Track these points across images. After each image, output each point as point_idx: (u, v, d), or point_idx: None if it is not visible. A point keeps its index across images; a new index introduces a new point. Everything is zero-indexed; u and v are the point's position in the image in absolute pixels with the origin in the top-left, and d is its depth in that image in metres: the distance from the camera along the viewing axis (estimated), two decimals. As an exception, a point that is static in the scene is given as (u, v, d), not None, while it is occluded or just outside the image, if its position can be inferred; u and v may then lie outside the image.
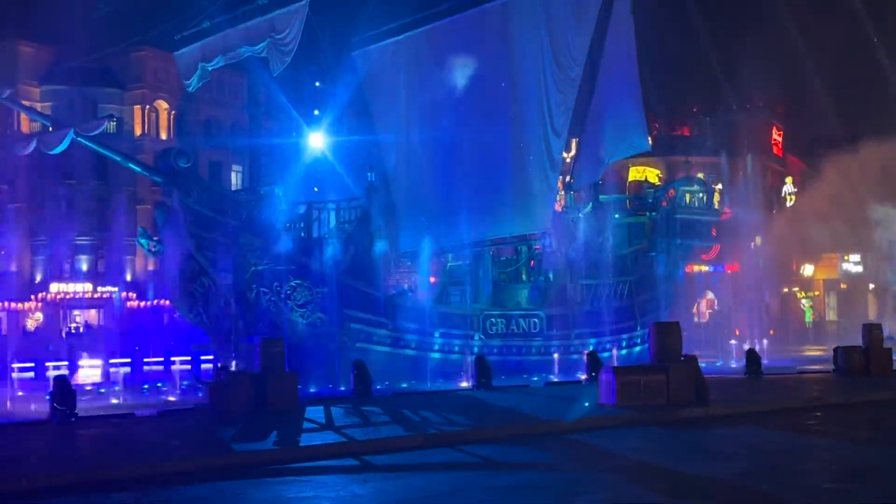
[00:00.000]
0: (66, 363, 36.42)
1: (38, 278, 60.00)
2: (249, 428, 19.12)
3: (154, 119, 64.05)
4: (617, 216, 41.64)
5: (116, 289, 59.09)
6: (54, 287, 58.83)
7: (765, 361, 30.81)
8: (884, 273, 67.77)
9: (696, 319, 55.82)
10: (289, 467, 15.26)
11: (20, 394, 29.41)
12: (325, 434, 18.56)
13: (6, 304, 56.25)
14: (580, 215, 40.48)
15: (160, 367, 37.97)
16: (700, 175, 47.23)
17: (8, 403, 26.22)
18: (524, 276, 39.02)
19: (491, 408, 22.15)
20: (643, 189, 44.75)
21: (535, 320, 35.37)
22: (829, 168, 57.27)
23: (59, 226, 58.85)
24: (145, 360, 38.41)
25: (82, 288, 59.49)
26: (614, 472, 14.25)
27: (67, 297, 58.78)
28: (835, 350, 30.24)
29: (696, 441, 17.96)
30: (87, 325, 57.16)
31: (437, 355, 32.59)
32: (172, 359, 38.34)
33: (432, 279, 38.57)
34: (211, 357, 32.84)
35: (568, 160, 43.46)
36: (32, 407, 24.93)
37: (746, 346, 33.99)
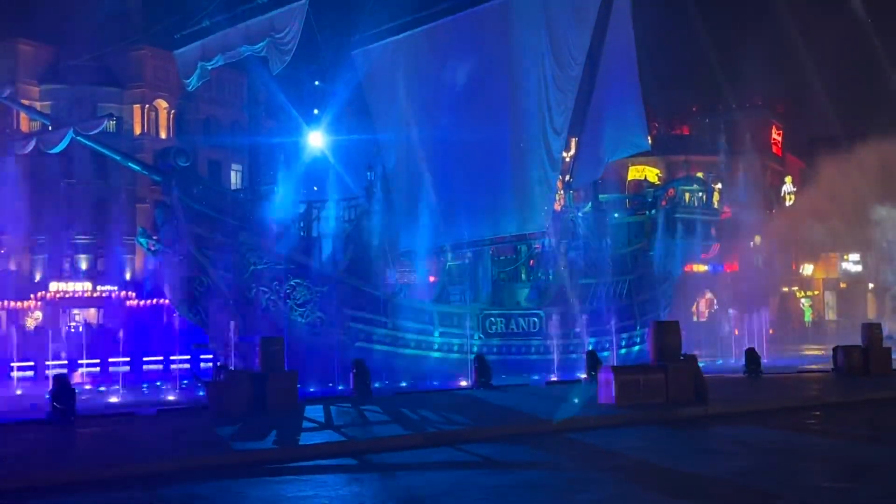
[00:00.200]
0: (66, 362, 36.39)
1: (38, 277, 59.99)
2: (249, 427, 19.12)
3: (154, 118, 64.03)
4: (616, 215, 41.67)
5: (116, 288, 59.10)
6: (54, 286, 58.82)
7: (764, 361, 30.82)
8: (883, 272, 67.81)
9: (695, 319, 55.88)
10: (288, 466, 15.26)
11: (19, 392, 29.45)
12: (325, 433, 18.57)
13: (6, 303, 56.26)
14: (580, 214, 40.49)
15: (159, 367, 37.98)
16: (699, 174, 47.26)
17: (7, 402, 26.23)
18: (524, 276, 39.04)
19: (490, 407, 22.15)
20: (643, 188, 44.77)
21: (535, 319, 35.38)
22: (828, 167, 57.32)
23: (59, 225, 58.88)
24: (145, 359, 38.41)
25: (82, 287, 59.48)
26: (614, 471, 14.26)
27: (67, 296, 58.78)
28: (834, 349, 30.27)
29: (696, 440, 17.97)
30: (87, 324, 57.15)
31: (436, 354, 32.61)
32: (172, 358, 38.38)
33: (432, 278, 38.61)
34: (210, 356, 32.85)
35: (567, 159, 43.48)
36: (31, 406, 24.93)
37: (746, 346, 34.00)
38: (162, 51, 53.22)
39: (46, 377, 31.10)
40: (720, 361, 37.44)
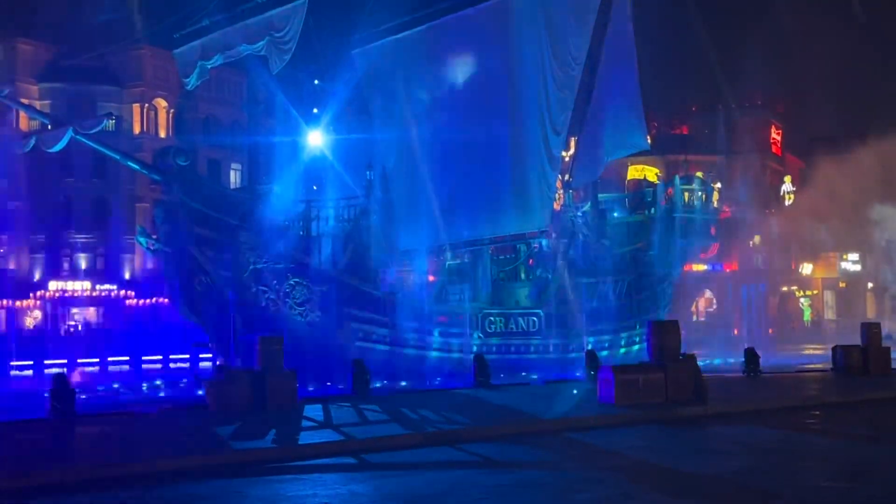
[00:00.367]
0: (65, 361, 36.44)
1: (37, 276, 59.98)
2: (248, 426, 19.12)
3: (153, 117, 64.04)
4: (616, 215, 41.67)
5: (115, 287, 59.11)
6: (53, 285, 58.84)
7: (763, 360, 30.81)
8: (882, 272, 67.86)
9: (694, 318, 55.90)
10: (288, 465, 15.26)
11: (18, 391, 29.46)
12: (324, 432, 18.57)
13: (5, 302, 56.26)
14: (579, 214, 40.51)
15: (159, 366, 38.02)
16: (699, 174, 47.23)
17: (7, 401, 26.24)
18: (523, 275, 39.03)
19: (490, 406, 22.15)
20: (642, 188, 44.76)
21: (534, 319, 35.39)
22: (827, 167, 57.31)
23: (58, 224, 58.93)
24: (144, 358, 38.45)
25: (81, 286, 59.50)
26: (613, 471, 14.26)
27: (66, 295, 58.80)
28: (833, 349, 30.26)
29: (695, 439, 17.98)
30: (86, 324, 57.19)
31: (436, 354, 32.61)
32: (171, 357, 38.43)
33: (431, 278, 38.58)
34: (210, 355, 32.87)
35: (567, 159, 43.46)
36: (31, 405, 24.94)
37: (745, 345, 34.01)
38: (161, 50, 53.24)
39: (46, 376, 31.15)
40: (719, 361, 37.43)
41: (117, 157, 30.81)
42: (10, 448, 16.64)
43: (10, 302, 56.38)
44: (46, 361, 36.99)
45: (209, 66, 33.10)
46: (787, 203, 78.71)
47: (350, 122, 40.25)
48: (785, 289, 73.23)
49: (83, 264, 61.15)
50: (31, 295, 57.88)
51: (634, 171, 67.98)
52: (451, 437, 17.63)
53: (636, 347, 37.49)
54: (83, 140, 28.23)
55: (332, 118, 37.63)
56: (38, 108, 45.42)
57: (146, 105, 63.43)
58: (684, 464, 14.75)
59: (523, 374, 32.72)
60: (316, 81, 41.94)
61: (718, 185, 50.77)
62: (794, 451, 16.13)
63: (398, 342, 31.97)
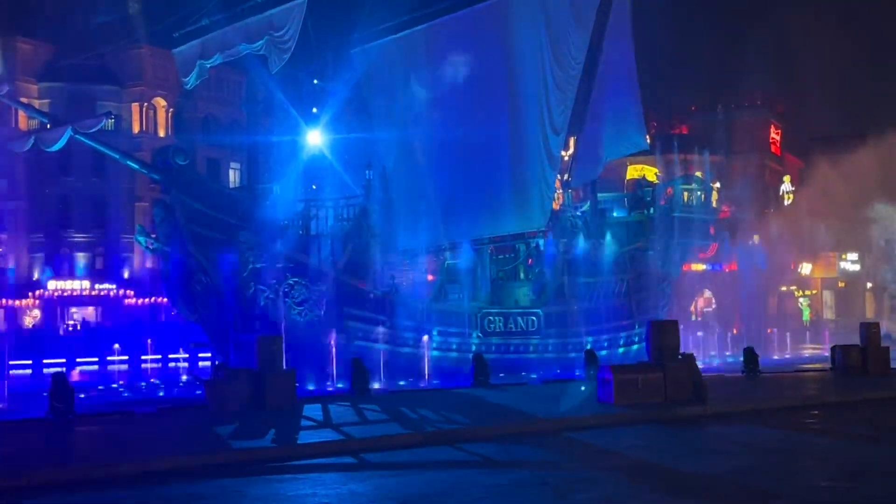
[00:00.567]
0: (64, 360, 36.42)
1: (36, 276, 59.95)
2: (247, 425, 19.11)
3: (152, 116, 63.99)
4: (615, 214, 41.69)
5: (114, 286, 59.08)
6: (52, 284, 58.80)
7: (762, 360, 30.83)
8: (881, 272, 67.87)
9: (693, 318, 55.86)
10: (287, 465, 15.25)
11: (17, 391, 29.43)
12: (323, 432, 18.56)
13: (4, 301, 56.22)
14: (578, 213, 40.52)
15: (158, 365, 38.00)
16: (698, 173, 47.30)
17: (5, 401, 26.22)
18: (522, 275, 39.06)
19: (489, 406, 22.14)
20: (641, 186, 44.77)
21: (533, 318, 35.40)
22: (826, 167, 57.34)
23: (57, 223, 58.88)
24: (143, 357, 38.43)
25: (80, 285, 59.47)
26: (612, 470, 14.26)
27: (65, 294, 58.77)
28: (832, 349, 30.28)
29: (694, 439, 17.97)
30: (85, 323, 57.16)
31: (435, 353, 32.61)
32: (170, 356, 38.42)
33: (430, 277, 38.59)
34: (209, 354, 32.87)
35: (566, 158, 43.50)
36: (30, 404, 24.93)
37: (744, 345, 34.04)
38: (161, 49, 53.21)
39: (45, 375, 31.14)
40: (718, 361, 37.46)
41: (116, 156, 30.79)
42: (10, 447, 16.63)
43: (10, 301, 56.35)
44: (45, 361, 36.97)
45: (208, 66, 33.11)
46: (786, 203, 78.73)
47: (349, 122, 40.24)
48: (784, 288, 73.20)
49: (82, 263, 61.11)
50: (30, 294, 57.85)
51: (634, 171, 67.98)
52: (450, 436, 17.63)
53: (635, 347, 37.54)
54: (82, 139, 28.22)
55: (331, 117, 37.64)
56: (37, 107, 45.39)
57: (145, 104, 63.38)
58: (683, 463, 14.75)
59: (522, 373, 32.73)
60: (315, 81, 41.93)
61: (717, 184, 50.84)
62: (794, 450, 16.12)
63: (397, 341, 31.97)
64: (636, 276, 39.17)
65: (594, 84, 40.27)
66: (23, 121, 56.13)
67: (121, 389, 30.49)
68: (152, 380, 34.14)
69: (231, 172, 66.30)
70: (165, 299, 43.29)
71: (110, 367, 36.59)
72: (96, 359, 38.50)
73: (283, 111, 39.35)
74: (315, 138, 37.13)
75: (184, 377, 33.80)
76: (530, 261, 38.82)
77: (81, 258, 61.20)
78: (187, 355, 37.46)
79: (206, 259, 29.10)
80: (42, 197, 58.35)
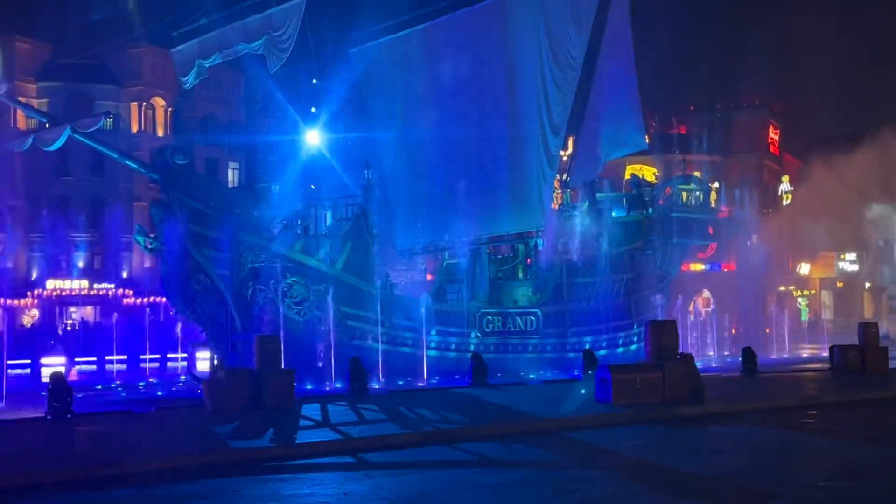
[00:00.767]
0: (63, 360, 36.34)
1: (35, 275, 59.89)
2: (246, 425, 19.11)
3: (151, 116, 63.95)
4: (614, 214, 41.68)
5: (113, 286, 59.05)
6: (50, 284, 58.75)
7: (761, 360, 30.84)
8: (880, 272, 67.93)
9: (692, 318, 55.91)
10: (285, 464, 15.25)
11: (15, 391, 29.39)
12: (322, 431, 18.56)
13: (2, 300, 56.17)
14: (577, 213, 40.50)
15: (156, 365, 37.97)
16: (697, 173, 47.29)
17: (3, 399, 26.20)
18: (521, 274, 39.04)
19: (487, 405, 22.15)
20: (638, 186, 44.78)
21: (532, 318, 35.39)
22: (825, 167, 57.35)
23: (56, 223, 58.77)
24: (141, 357, 38.39)
25: (79, 285, 59.41)
26: (611, 470, 14.27)
27: (64, 293, 58.73)
28: (831, 349, 30.30)
29: (693, 439, 17.98)
30: (83, 322, 57.12)
31: (433, 353, 32.61)
32: (169, 356, 38.37)
33: (429, 277, 38.60)
34: (207, 354, 32.82)
35: (565, 158, 43.50)
36: (28, 404, 24.91)
37: (742, 345, 34.05)
38: (159, 48, 53.14)
39: (43, 375, 31.11)
40: (716, 361, 37.47)
41: (115, 155, 30.78)
42: (8, 447, 16.62)
43: (8, 301, 56.29)
44: (43, 360, 36.90)
45: (207, 65, 33.08)
46: (784, 203, 78.76)
47: (348, 121, 40.26)
48: (782, 288, 73.24)
49: (81, 263, 61.00)
50: (28, 294, 57.81)
51: (632, 171, 67.99)
52: (448, 436, 17.63)
53: (634, 347, 37.52)
54: (81, 139, 28.21)
55: (329, 117, 37.65)
56: (35, 106, 45.43)
57: (144, 104, 63.34)
58: (682, 463, 14.76)
59: (521, 373, 32.72)
60: (314, 80, 41.96)
61: (716, 184, 50.84)
62: (792, 450, 16.13)
63: (396, 341, 31.97)
64: (635, 276, 39.16)
65: (593, 84, 40.25)
66: (21, 120, 56.08)
67: (119, 389, 30.45)
68: (151, 379, 34.10)
69: (230, 172, 66.26)
70: (164, 299, 43.25)
71: (108, 367, 36.54)
72: (94, 358, 38.44)
73: (281, 111, 39.40)
74: (313, 138, 37.14)
75: (182, 377, 33.77)
76: (529, 261, 38.82)
77: (80, 258, 61.15)
78: (186, 355, 37.41)
79: (205, 259, 29.09)
80: (40, 196, 58.29)
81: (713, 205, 44.70)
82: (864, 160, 52.94)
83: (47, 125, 28.91)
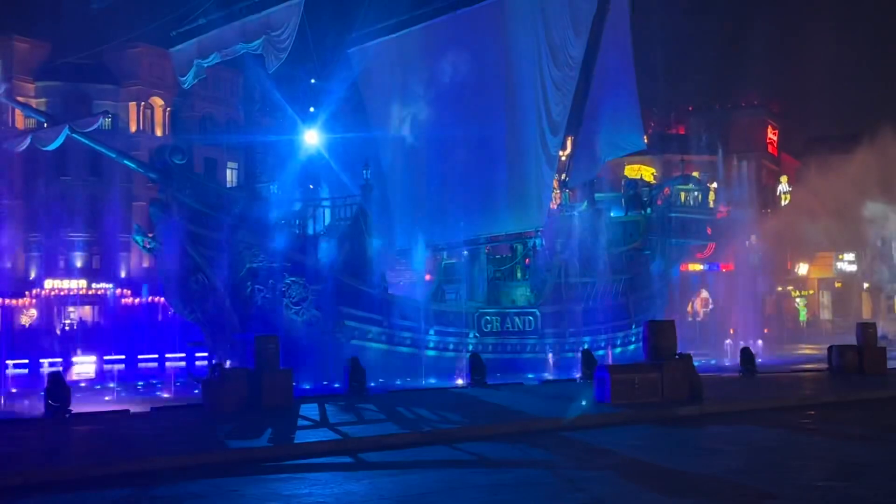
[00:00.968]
0: (61, 359, 36.35)
1: (33, 275, 59.87)
2: (244, 425, 19.11)
3: (149, 115, 63.96)
4: (612, 214, 41.71)
5: (111, 285, 59.02)
6: (49, 283, 58.72)
7: (759, 360, 30.83)
8: (878, 272, 67.93)
9: (690, 318, 55.93)
10: (284, 464, 15.25)
11: (14, 390, 29.38)
12: (320, 431, 18.56)
13: (0, 300, 56.13)
14: (575, 213, 40.51)
15: (154, 364, 37.95)
16: (695, 174, 47.30)
17: (2, 400, 26.19)
18: (519, 274, 39.06)
19: (486, 405, 22.15)
20: (636, 186, 44.81)
21: (530, 318, 35.40)
22: (823, 167, 57.38)
23: (54, 222, 58.77)
24: (140, 356, 38.37)
25: (77, 284, 59.37)
26: (609, 470, 14.27)
27: (62, 293, 58.69)
28: (829, 349, 30.29)
29: (691, 439, 17.99)
30: (82, 322, 57.10)
31: (431, 353, 32.61)
32: (167, 356, 38.36)
33: (427, 277, 38.59)
34: (206, 354, 32.82)
35: (563, 158, 43.52)
36: (26, 403, 24.91)
37: (741, 345, 34.05)
38: (158, 48, 53.12)
39: (41, 374, 31.08)
40: (714, 361, 37.46)
41: (113, 155, 30.75)
42: (6, 446, 16.60)
43: (6, 300, 56.25)
44: (42, 360, 36.88)
45: (206, 65, 33.07)
46: (783, 203, 78.81)
47: (346, 121, 40.25)
48: (781, 289, 73.28)
49: (79, 263, 61.01)
50: (26, 293, 57.78)
51: (631, 171, 68.03)
52: (447, 436, 17.63)
53: (632, 347, 37.54)
54: (79, 138, 28.19)
55: (328, 117, 37.65)
56: (33, 106, 45.40)
57: (142, 103, 63.36)
58: (680, 463, 14.77)
59: (519, 373, 32.71)
60: (312, 80, 41.96)
61: (714, 184, 50.85)
62: (790, 450, 16.14)
63: (394, 341, 31.97)
64: (633, 276, 39.19)
65: (592, 84, 40.28)
66: (19, 120, 56.08)
67: (118, 389, 30.43)
68: (152, 380, 34.08)
69: (228, 172, 66.28)
70: (162, 299, 43.25)
71: (107, 367, 36.50)
72: (93, 358, 38.42)
73: (280, 110, 39.38)
74: (312, 138, 37.14)
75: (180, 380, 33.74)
76: (527, 261, 38.84)
77: (78, 257, 61.14)
78: (184, 354, 37.41)
79: (204, 258, 29.07)
80: (39, 196, 58.24)
81: (711, 205, 44.72)
82: (862, 160, 52.97)
83: (45, 125, 28.89)
